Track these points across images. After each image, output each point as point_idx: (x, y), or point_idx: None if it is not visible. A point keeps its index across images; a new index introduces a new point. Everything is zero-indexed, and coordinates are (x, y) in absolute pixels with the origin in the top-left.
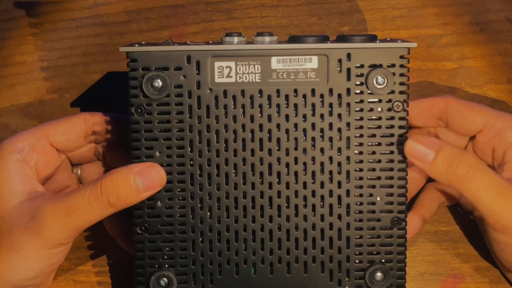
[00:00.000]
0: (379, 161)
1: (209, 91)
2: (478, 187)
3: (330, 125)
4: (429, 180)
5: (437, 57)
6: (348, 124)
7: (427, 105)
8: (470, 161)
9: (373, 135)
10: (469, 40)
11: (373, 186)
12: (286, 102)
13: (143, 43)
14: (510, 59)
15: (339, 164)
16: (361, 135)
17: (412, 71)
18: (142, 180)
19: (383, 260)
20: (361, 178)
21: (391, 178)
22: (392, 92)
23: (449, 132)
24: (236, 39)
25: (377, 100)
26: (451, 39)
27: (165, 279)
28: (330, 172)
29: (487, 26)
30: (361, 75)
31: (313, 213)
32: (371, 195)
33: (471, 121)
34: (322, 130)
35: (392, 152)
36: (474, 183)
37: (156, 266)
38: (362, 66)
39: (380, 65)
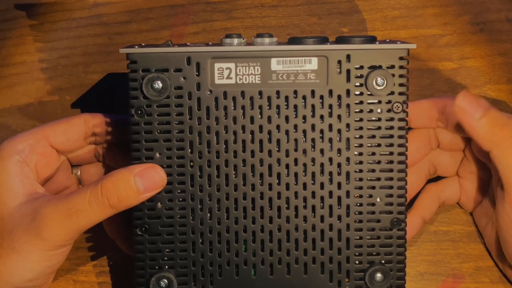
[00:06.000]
0: (379, 162)
1: (209, 92)
2: None
3: (330, 126)
4: (429, 180)
5: (437, 57)
6: (347, 125)
7: (426, 106)
8: None
9: (373, 136)
10: (469, 40)
11: (373, 187)
12: (286, 103)
13: (143, 44)
14: (510, 59)
15: (339, 165)
16: (361, 136)
17: (412, 71)
18: (142, 181)
19: (382, 261)
20: (361, 179)
21: (391, 179)
22: (392, 93)
23: (448, 133)
24: (236, 40)
25: (376, 101)
26: (451, 39)
27: (165, 280)
28: (330, 173)
29: (487, 26)
30: (361, 76)
31: (313, 214)
32: (370, 196)
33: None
34: (322, 131)
35: (391, 153)
36: None
37: (156, 267)
38: (361, 67)
39: (380, 66)
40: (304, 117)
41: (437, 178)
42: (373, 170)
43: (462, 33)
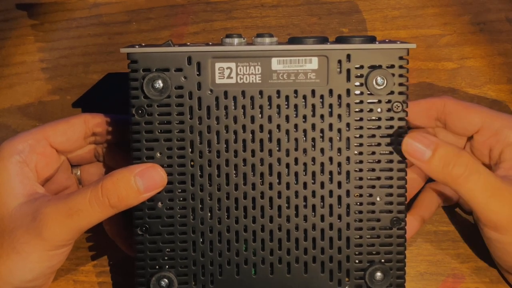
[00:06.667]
0: (379, 161)
1: (209, 92)
2: (473, 187)
3: (330, 125)
4: (429, 180)
5: (437, 57)
6: (348, 125)
7: (425, 105)
8: (467, 161)
9: (373, 136)
10: (469, 40)
11: (373, 186)
12: (286, 103)
13: (143, 44)
14: (510, 59)
15: (339, 164)
16: (361, 136)
17: (412, 71)
18: (143, 181)
19: (382, 260)
20: (361, 179)
21: (391, 178)
22: (392, 92)
23: (447, 132)
24: (236, 40)
25: (376, 100)
26: (451, 39)
27: (166, 280)
28: (330, 173)
29: (487, 26)
30: (361, 76)
31: (313, 213)
32: (370, 195)
33: (468, 121)
34: (322, 131)
35: (391, 153)
36: (470, 184)
37: (157, 267)
38: (361, 67)
39: (380, 66)
40: (305, 117)
41: None
42: (373, 170)
43: (462, 33)
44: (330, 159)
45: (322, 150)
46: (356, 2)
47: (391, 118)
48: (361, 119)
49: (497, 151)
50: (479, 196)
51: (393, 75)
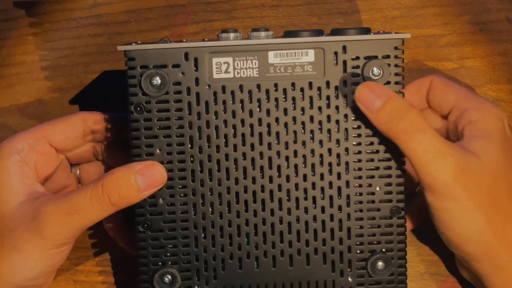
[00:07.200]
0: (377, 151)
1: (207, 87)
2: (415, 146)
3: (328, 117)
4: None
5: (437, 57)
6: (345, 116)
7: (414, 88)
8: (414, 118)
9: (371, 125)
10: (469, 40)
11: (372, 177)
12: (284, 96)
13: (139, 42)
14: (510, 59)
15: (338, 155)
16: (359, 126)
17: (412, 71)
18: (143, 179)
19: (384, 249)
20: (360, 169)
21: (389, 168)
22: (388, 82)
23: (432, 112)
24: (232, 35)
25: None
26: (451, 39)
27: (169, 276)
28: (330, 164)
29: (487, 26)
30: (357, 67)
31: (313, 205)
32: (370, 185)
33: (444, 99)
34: (320, 123)
35: (389, 142)
36: (413, 142)
37: (160, 263)
38: (357, 58)
39: (376, 57)
40: (302, 109)
41: None
42: (372, 160)
43: (462, 33)
44: (329, 150)
45: (321, 142)
46: (356, 2)
47: None
48: (358, 109)
49: (460, 129)
50: (421, 156)
51: (389, 65)
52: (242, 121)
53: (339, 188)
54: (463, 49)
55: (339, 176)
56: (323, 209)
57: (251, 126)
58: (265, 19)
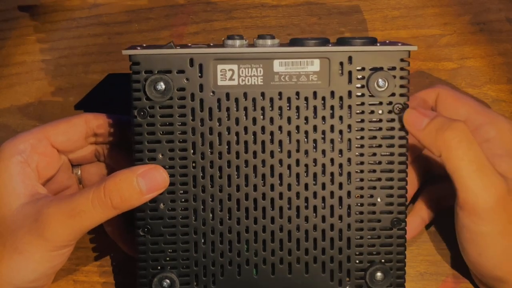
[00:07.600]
0: (380, 162)
1: (211, 93)
2: (461, 156)
3: (332, 127)
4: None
5: (437, 57)
6: (349, 126)
7: (421, 98)
8: (462, 128)
9: (374, 137)
10: (469, 40)
11: (374, 187)
12: (288, 104)
13: (144, 45)
14: (510, 59)
15: (340, 165)
16: (362, 137)
17: (412, 71)
18: (145, 182)
19: (383, 260)
20: (361, 180)
21: (391, 179)
22: (393, 94)
23: None
24: (238, 42)
25: (378, 102)
26: (451, 39)
27: (168, 281)
28: (331, 174)
29: (487, 26)
30: (362, 78)
31: (314, 214)
32: (371, 196)
33: (455, 112)
34: (323, 132)
35: (392, 154)
36: (459, 151)
37: (159, 267)
38: (363, 69)
39: (381, 68)
40: (306, 118)
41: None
42: (374, 171)
43: (462, 33)
44: (331, 160)
45: (323, 152)
46: (356, 2)
47: (392, 120)
48: (362, 120)
49: None
50: (465, 167)
51: (394, 77)
52: (246, 128)
53: (340, 198)
54: (463, 49)
55: (340, 186)
56: (323, 218)
57: (254, 133)
58: (265, 19)
